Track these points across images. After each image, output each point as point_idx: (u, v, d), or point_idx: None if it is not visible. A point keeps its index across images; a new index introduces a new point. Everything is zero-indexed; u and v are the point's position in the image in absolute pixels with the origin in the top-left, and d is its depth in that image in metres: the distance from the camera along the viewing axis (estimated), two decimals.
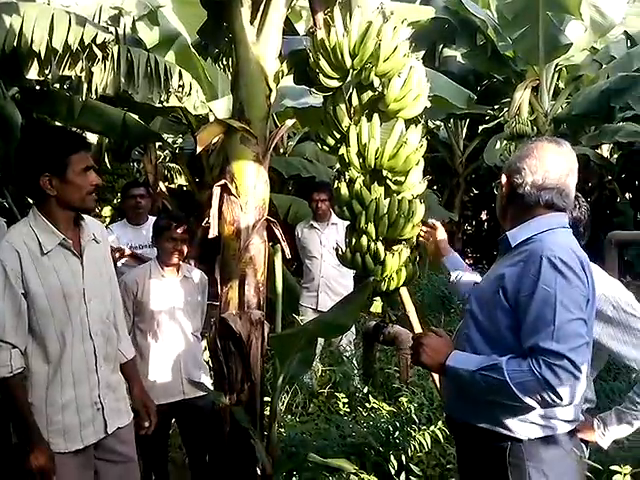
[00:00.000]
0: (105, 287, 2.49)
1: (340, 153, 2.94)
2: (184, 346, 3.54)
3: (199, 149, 2.91)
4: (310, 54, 2.95)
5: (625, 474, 2.07)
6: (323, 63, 2.85)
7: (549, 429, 1.90)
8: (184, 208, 7.98)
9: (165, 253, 3.60)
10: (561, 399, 1.72)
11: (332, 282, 5.33)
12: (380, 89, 2.98)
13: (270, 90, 2.98)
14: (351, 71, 2.88)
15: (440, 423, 3.52)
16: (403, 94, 2.87)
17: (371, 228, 2.87)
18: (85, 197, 2.35)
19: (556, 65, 7.91)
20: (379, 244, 2.91)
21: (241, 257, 2.93)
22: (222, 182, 2.95)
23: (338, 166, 3.04)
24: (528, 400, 1.77)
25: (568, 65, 7.94)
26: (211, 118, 6.81)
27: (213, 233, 2.95)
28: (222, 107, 6.40)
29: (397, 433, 3.59)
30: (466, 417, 2.02)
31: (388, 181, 2.96)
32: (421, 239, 2.96)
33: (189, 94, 6.00)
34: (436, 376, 3.51)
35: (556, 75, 8.08)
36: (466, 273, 2.70)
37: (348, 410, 4.09)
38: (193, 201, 8.18)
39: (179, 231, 3.61)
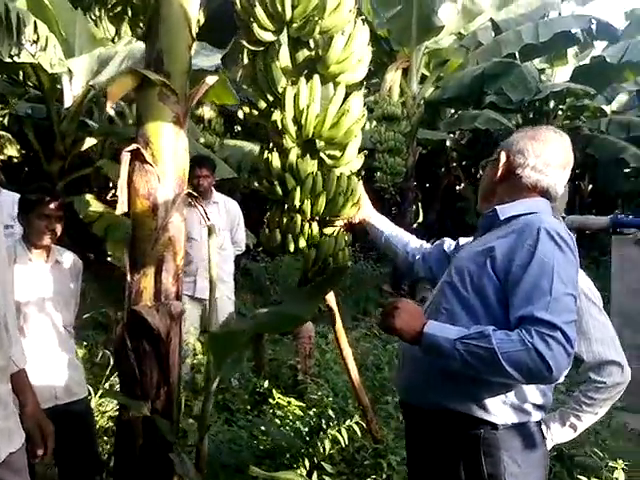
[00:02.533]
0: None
1: (273, 119, 2.57)
2: (56, 343, 2.98)
3: (110, 104, 2.37)
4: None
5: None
6: (259, 11, 2.44)
7: (523, 415, 1.79)
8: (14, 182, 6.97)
9: (35, 232, 2.97)
10: (551, 372, 1.59)
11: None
12: (317, 48, 2.66)
13: (193, 39, 2.51)
14: (289, 24, 2.51)
15: (357, 417, 3.32)
16: (345, 56, 2.56)
17: (307, 206, 2.54)
18: None
19: (425, 48, 8.03)
20: (314, 225, 2.60)
21: (158, 238, 2.45)
22: (133, 147, 2.44)
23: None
24: (514, 373, 1.61)
25: (436, 49, 8.10)
26: (65, 80, 5.97)
27: (122, 209, 2.44)
28: (82, 66, 5.59)
29: (307, 430, 3.34)
30: (433, 399, 1.83)
31: (322, 154, 2.65)
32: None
33: (44, 49, 5.15)
34: (351, 364, 3.31)
35: (424, 58, 8.20)
36: (400, 231, 2.51)
37: (248, 407, 3.73)
38: (38, 173, 7.16)
39: (52, 206, 3.02)
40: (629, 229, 5.07)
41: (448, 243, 2.26)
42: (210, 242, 2.56)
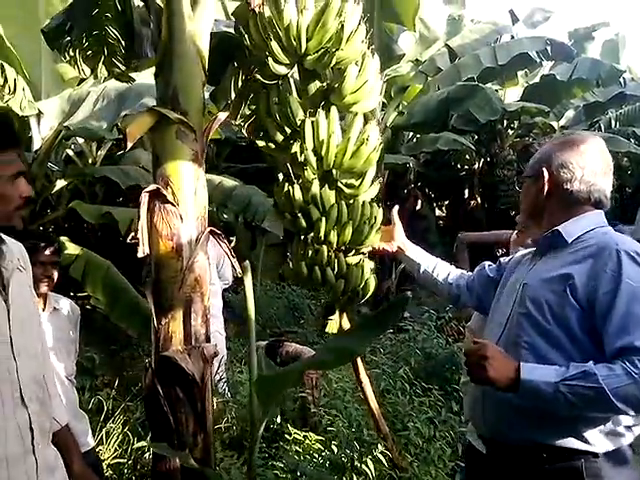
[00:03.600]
0: (35, 334, 1.80)
1: (293, 151, 2.56)
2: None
3: (129, 145, 2.30)
4: (250, 35, 2.52)
5: None
6: (274, 45, 2.44)
7: (618, 439, 1.74)
8: None
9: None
10: None
11: None
12: (329, 79, 2.67)
13: (206, 75, 2.48)
14: (304, 57, 2.51)
15: (380, 446, 3.26)
16: (359, 85, 2.59)
17: (333, 237, 2.53)
18: (11, 213, 1.67)
19: (385, 75, 8.16)
20: (340, 255, 2.59)
21: (184, 279, 2.37)
22: (152, 187, 2.37)
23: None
24: (624, 407, 1.58)
25: (396, 76, 8.24)
26: (33, 123, 5.81)
27: (144, 251, 2.36)
28: (52, 108, 5.45)
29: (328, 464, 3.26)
30: (527, 436, 1.76)
31: (339, 184, 2.65)
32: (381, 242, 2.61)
33: (13, 92, 5.00)
34: (369, 393, 3.27)
35: (384, 85, 8.34)
36: (438, 262, 2.42)
37: (263, 445, 3.62)
38: None
39: (47, 253, 2.92)
40: None
41: (489, 267, 2.22)
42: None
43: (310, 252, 2.55)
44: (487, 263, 2.27)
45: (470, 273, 2.31)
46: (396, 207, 2.57)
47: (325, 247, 2.54)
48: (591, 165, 1.82)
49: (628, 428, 1.75)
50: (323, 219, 2.51)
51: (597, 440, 1.70)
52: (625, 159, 13.61)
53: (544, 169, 1.87)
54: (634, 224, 5.66)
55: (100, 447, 3.49)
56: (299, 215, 2.54)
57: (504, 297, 1.95)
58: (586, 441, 1.70)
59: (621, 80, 9.19)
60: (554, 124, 12.10)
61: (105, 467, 3.47)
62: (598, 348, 1.65)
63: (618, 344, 1.59)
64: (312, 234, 2.54)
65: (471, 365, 1.69)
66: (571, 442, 1.70)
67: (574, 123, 12.72)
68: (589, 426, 1.70)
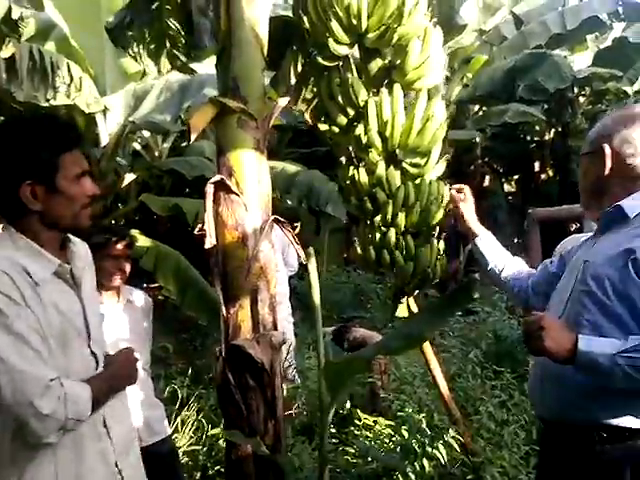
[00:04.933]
0: (101, 329, 1.84)
1: (357, 133, 2.49)
2: (137, 385, 2.92)
3: (193, 136, 2.30)
4: (310, 16, 2.46)
5: None
6: (334, 25, 2.37)
7: None
8: None
9: (104, 274, 2.91)
10: None
11: None
12: (391, 56, 2.58)
13: (266, 62, 2.45)
14: (365, 35, 2.43)
15: (451, 431, 3.20)
16: (422, 60, 2.49)
17: (401, 219, 2.46)
18: (78, 212, 1.70)
19: (448, 48, 7.93)
20: (409, 237, 2.51)
21: (250, 268, 2.37)
22: (217, 178, 2.37)
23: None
24: None
25: (459, 48, 8.00)
26: (99, 119, 5.96)
27: (211, 242, 2.37)
28: (118, 103, 5.58)
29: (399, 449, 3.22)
30: (587, 416, 1.70)
31: (405, 164, 2.57)
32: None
33: (79, 89, 5.14)
34: (439, 377, 3.20)
35: (447, 58, 8.10)
36: (507, 262, 2.32)
37: (333, 431, 3.62)
38: None
39: (120, 247, 2.97)
40: None
41: (551, 264, 2.15)
42: None
43: (378, 235, 2.49)
44: (548, 261, 2.20)
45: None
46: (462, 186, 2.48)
47: (393, 230, 2.47)
48: None
49: None
50: (390, 201, 2.45)
51: None
52: None
53: (605, 145, 1.80)
54: None
55: (176, 435, 3.58)
56: (365, 199, 2.48)
57: (566, 276, 1.89)
58: None
59: None
60: (628, 89, 11.46)
61: (181, 454, 3.57)
62: None
63: None
64: (379, 217, 2.48)
65: (528, 336, 1.67)
66: (630, 421, 1.65)
67: None
68: None
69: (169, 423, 3.43)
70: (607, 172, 1.80)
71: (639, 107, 1.86)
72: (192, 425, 3.60)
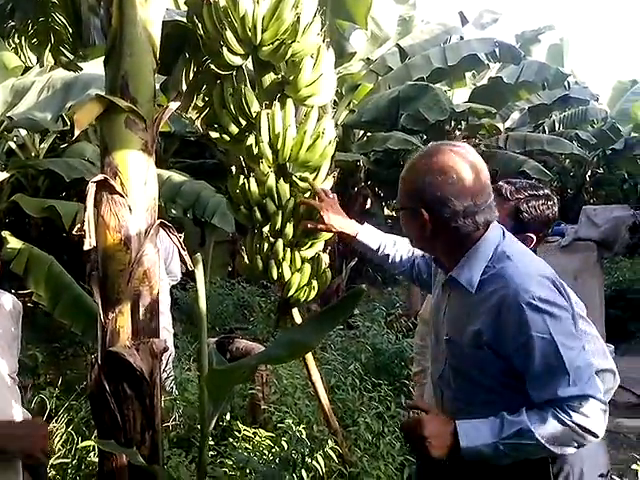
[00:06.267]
0: None
1: (248, 144, 2.52)
2: (4, 393, 2.75)
3: (77, 132, 2.21)
4: (204, 24, 2.48)
5: None
6: (229, 35, 2.40)
7: None
8: None
9: None
10: (597, 435, 1.59)
11: None
12: (283, 72, 2.64)
13: (157, 64, 2.41)
14: (259, 47, 2.48)
15: (330, 442, 3.26)
16: (314, 78, 2.58)
17: (289, 230, 2.52)
18: None
19: (337, 73, 8.18)
20: (296, 250, 2.57)
21: (133, 272, 2.30)
22: (100, 177, 2.29)
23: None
24: (564, 450, 1.60)
25: (347, 74, 8.27)
26: None
27: (90, 243, 2.28)
28: None
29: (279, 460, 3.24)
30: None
31: (294, 177, 2.63)
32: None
33: None
34: (320, 389, 3.27)
35: (336, 83, 8.33)
36: (396, 239, 2.34)
37: (212, 443, 3.56)
38: None
39: None
40: (552, 237, 5.37)
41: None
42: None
43: (266, 246, 2.53)
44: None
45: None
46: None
47: (281, 241, 2.52)
48: (468, 189, 1.63)
49: None
50: (279, 212, 2.49)
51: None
52: (567, 161, 14.09)
53: (421, 209, 1.68)
54: (577, 224, 5.86)
55: None
56: (255, 208, 2.51)
57: (437, 320, 1.86)
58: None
59: (565, 83, 9.48)
60: (500, 125, 12.40)
61: (48, 467, 3.36)
62: (521, 384, 1.63)
63: (545, 398, 1.58)
64: (267, 227, 2.51)
65: (411, 442, 1.71)
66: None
67: (519, 125, 13.08)
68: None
69: None
70: (430, 234, 1.70)
71: (442, 154, 1.68)
72: (61, 437, 3.40)
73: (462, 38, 8.93)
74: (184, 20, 2.81)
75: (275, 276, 2.48)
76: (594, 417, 1.56)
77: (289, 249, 2.49)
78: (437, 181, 1.64)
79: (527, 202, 2.19)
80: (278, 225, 2.46)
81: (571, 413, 1.54)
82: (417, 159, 1.74)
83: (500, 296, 1.60)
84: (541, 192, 2.21)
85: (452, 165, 1.64)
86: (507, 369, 1.63)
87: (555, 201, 2.22)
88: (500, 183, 2.25)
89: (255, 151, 2.47)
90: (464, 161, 1.65)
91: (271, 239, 2.48)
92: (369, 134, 10.16)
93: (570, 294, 1.72)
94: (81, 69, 4.40)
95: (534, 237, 2.18)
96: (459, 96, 11.59)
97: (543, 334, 1.55)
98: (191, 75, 2.91)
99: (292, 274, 2.52)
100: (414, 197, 1.71)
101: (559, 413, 1.55)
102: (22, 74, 5.46)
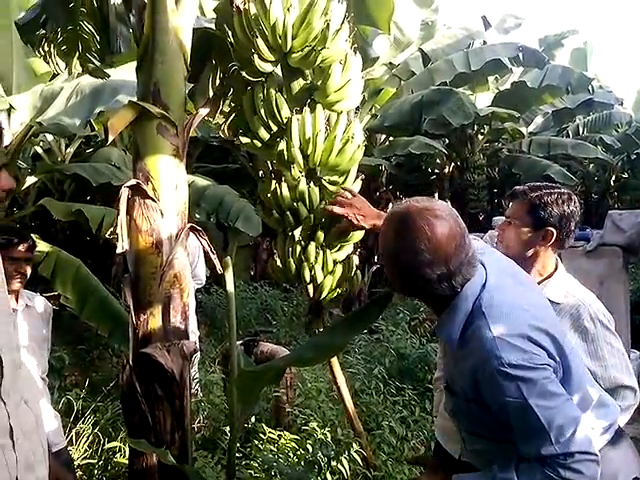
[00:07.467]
0: (11, 329, 1.76)
1: (280, 149, 2.55)
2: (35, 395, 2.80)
3: (111, 137, 2.26)
4: (234, 32, 2.51)
5: None
6: (260, 43, 2.43)
7: None
8: None
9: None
10: None
11: None
12: (312, 77, 2.67)
13: (188, 71, 2.45)
14: (289, 54, 2.51)
15: (355, 445, 3.27)
16: (342, 83, 2.59)
17: (320, 234, 2.53)
18: None
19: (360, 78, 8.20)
20: (327, 252, 2.59)
21: (164, 275, 2.34)
22: (132, 182, 2.34)
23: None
24: None
25: (370, 79, 8.29)
26: (3, 118, 5.66)
27: (122, 246, 2.32)
28: (25, 103, 5.30)
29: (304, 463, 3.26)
30: None
31: (323, 181, 2.65)
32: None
33: None
34: (345, 392, 3.28)
35: None
36: None
37: (238, 445, 3.59)
38: None
39: (21, 249, 2.90)
40: (577, 242, 5.32)
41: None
42: None
43: (298, 249, 2.55)
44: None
45: None
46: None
47: (313, 243, 2.54)
48: (443, 254, 1.56)
49: None
50: (311, 216, 2.52)
51: None
52: (592, 165, 13.94)
53: (397, 274, 1.65)
54: (602, 229, 5.80)
55: (70, 448, 3.43)
56: (287, 213, 2.54)
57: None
58: None
59: (589, 87, 9.40)
60: (523, 130, 12.34)
61: (75, 467, 3.41)
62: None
63: (531, 455, 1.58)
64: (299, 231, 2.54)
65: None
66: None
67: (543, 129, 12.99)
68: None
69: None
70: (409, 294, 1.76)
71: (412, 223, 1.57)
72: (87, 438, 3.46)
73: (485, 42, 8.90)
74: (212, 27, 2.86)
75: (308, 278, 2.50)
76: (584, 470, 1.53)
77: (321, 251, 2.50)
78: (407, 250, 1.57)
79: (541, 198, 2.20)
80: (310, 228, 2.48)
81: (559, 470, 1.52)
82: (387, 225, 1.66)
83: (475, 359, 1.59)
84: (556, 190, 2.22)
85: (420, 234, 1.55)
86: (497, 423, 1.63)
87: (574, 198, 2.21)
88: (515, 187, 2.30)
89: (286, 156, 2.49)
90: (433, 226, 1.55)
91: (303, 242, 2.50)
92: (391, 138, 10.19)
93: (564, 342, 1.68)
94: (108, 76, 4.48)
95: (554, 231, 2.16)
96: (482, 100, 11.54)
97: (517, 398, 1.53)
98: (217, 81, 2.96)
99: (325, 276, 2.53)
100: (389, 262, 1.66)
101: (547, 469, 1.53)
102: (50, 80, 5.57)
